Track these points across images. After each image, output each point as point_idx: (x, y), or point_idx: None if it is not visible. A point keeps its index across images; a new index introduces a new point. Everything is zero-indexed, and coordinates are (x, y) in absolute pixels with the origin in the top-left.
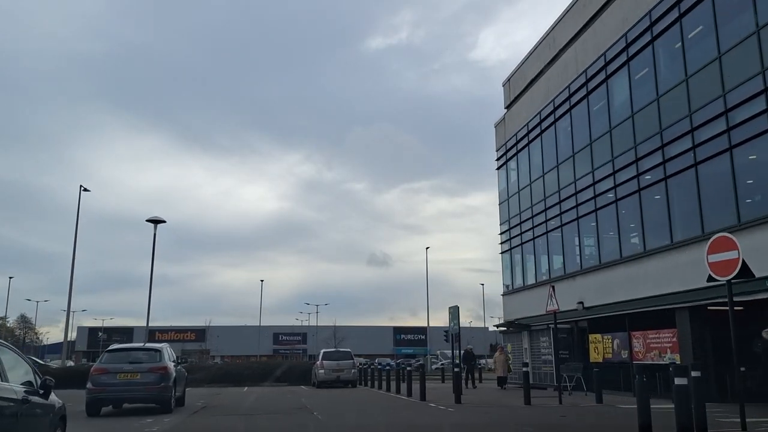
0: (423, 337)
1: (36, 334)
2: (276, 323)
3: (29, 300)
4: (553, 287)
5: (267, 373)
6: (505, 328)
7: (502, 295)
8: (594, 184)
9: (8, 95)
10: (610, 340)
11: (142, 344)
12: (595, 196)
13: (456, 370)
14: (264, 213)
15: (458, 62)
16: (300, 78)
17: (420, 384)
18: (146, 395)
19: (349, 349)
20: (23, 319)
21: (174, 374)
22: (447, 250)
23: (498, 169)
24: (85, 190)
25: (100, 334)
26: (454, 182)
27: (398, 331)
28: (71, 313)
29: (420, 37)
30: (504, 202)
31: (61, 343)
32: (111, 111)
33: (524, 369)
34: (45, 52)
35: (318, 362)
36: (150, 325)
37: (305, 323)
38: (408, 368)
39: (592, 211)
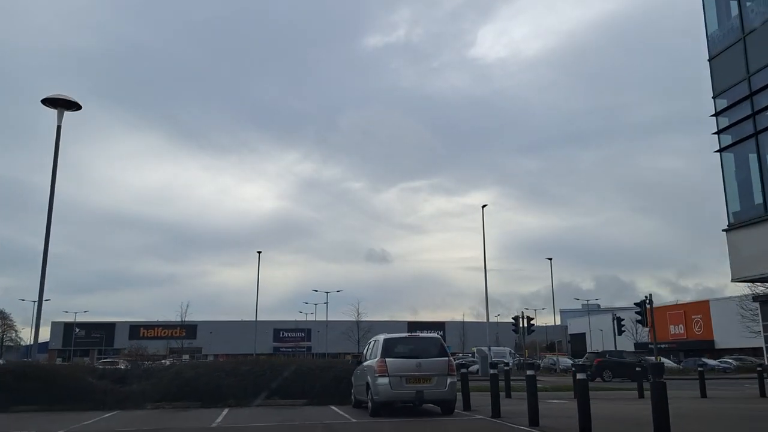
0: (441, 333)
1: (16, 332)
2: (276, 319)
3: (23, 300)
4: None
5: (266, 378)
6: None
7: (727, 230)
8: None
9: (5, 92)
10: None
11: None
12: None
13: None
14: (262, 212)
15: (457, 60)
16: (298, 76)
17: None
18: None
19: (436, 335)
20: (2, 315)
21: None
22: (446, 250)
23: None
24: None
25: (77, 330)
26: (453, 181)
27: (413, 326)
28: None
29: (418, 35)
30: (722, 53)
31: (47, 342)
32: (107, 108)
33: None
34: (40, 48)
35: (373, 361)
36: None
37: (310, 318)
38: None
39: None
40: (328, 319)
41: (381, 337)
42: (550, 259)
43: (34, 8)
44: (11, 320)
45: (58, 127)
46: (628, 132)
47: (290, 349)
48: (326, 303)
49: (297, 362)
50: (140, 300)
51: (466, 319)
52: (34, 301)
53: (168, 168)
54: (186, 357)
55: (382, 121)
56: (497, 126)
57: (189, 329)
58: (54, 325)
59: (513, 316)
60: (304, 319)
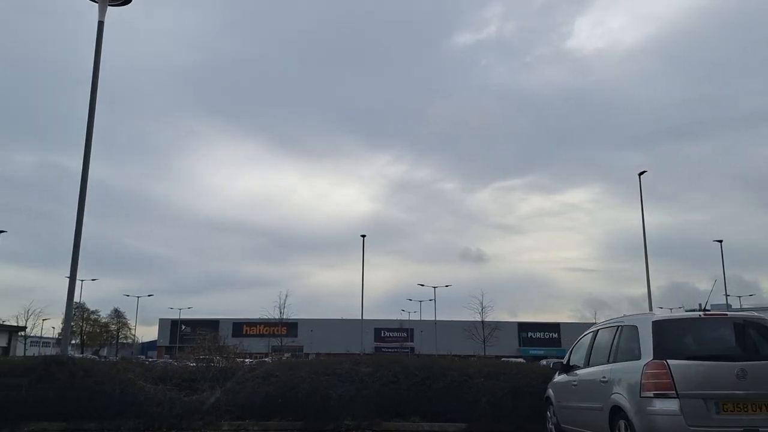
0: (555, 335)
1: (129, 329)
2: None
3: (127, 296)
4: None
5: (398, 387)
6: None
7: None
8: None
9: (120, 109)
10: None
11: None
12: None
13: None
14: (356, 215)
15: (552, 54)
16: (387, 78)
17: None
18: None
19: (761, 316)
20: (117, 314)
21: None
22: (545, 250)
23: None
24: None
25: (182, 327)
26: (550, 179)
27: (524, 327)
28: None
29: (510, 31)
30: None
31: (155, 341)
32: (212, 120)
33: None
34: (147, 67)
35: (628, 367)
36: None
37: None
38: None
39: None
40: (428, 318)
41: (645, 319)
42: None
43: (141, 30)
44: (125, 318)
45: (100, 23)
46: (737, 123)
47: (393, 349)
48: (432, 300)
49: (445, 364)
50: (245, 301)
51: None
52: (138, 297)
53: (267, 174)
54: (288, 355)
55: (473, 120)
56: (596, 120)
57: (290, 327)
58: (161, 322)
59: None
60: (407, 318)
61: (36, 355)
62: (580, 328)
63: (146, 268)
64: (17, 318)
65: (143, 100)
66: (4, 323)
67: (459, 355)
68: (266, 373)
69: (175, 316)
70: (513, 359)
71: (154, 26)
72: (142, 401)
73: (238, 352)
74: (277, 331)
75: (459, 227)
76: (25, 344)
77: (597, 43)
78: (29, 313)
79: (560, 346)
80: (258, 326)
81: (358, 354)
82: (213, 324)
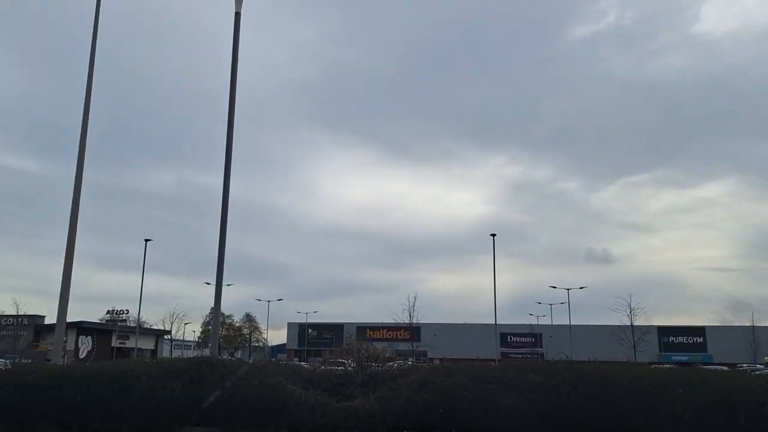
0: (700, 339)
1: (261, 333)
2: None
3: (259, 300)
4: None
5: (597, 401)
6: None
7: None
8: None
9: (242, 124)
10: None
11: None
12: None
13: None
14: (471, 218)
15: (678, 39)
16: (500, 78)
17: None
18: None
19: None
20: (248, 318)
21: None
22: (678, 249)
23: None
24: None
25: (309, 331)
26: (682, 173)
27: (665, 332)
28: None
29: (630, 18)
30: None
31: (284, 344)
32: (325, 130)
33: None
34: (263, 81)
35: None
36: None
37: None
38: None
39: None
40: (558, 322)
41: None
42: None
43: (257, 45)
44: (257, 322)
45: (237, 14)
46: None
47: (522, 355)
48: (564, 303)
49: (630, 371)
50: (364, 306)
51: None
52: (269, 302)
53: (380, 181)
54: (412, 361)
55: (594, 114)
56: (731, 107)
57: (414, 331)
58: (290, 326)
59: None
60: (536, 322)
61: (180, 356)
62: (729, 332)
63: (272, 275)
64: (163, 322)
65: (264, 114)
66: (152, 327)
67: (611, 362)
68: (422, 379)
69: (302, 320)
70: (664, 366)
71: (269, 40)
72: (293, 406)
73: (388, 356)
74: (401, 335)
75: (581, 227)
76: (171, 346)
77: (729, 25)
78: (174, 317)
79: (706, 352)
80: (381, 330)
81: (493, 360)
82: (338, 328)
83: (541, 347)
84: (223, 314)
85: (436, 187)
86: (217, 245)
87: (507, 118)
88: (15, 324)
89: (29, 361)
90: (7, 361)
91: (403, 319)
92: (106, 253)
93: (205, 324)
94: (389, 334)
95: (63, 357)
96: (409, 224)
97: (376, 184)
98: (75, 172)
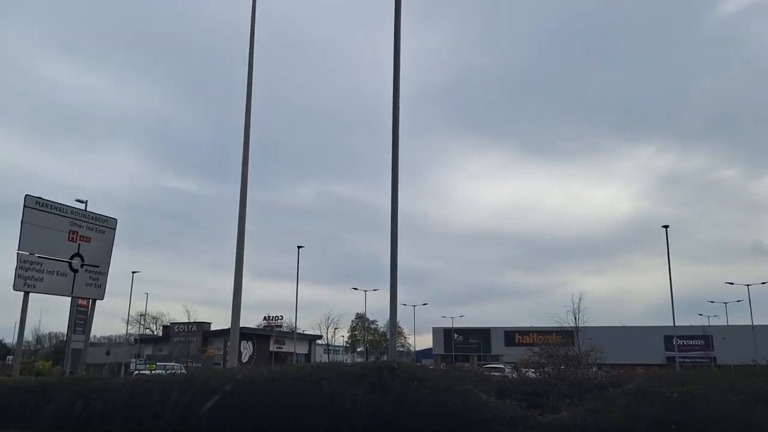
0: None
1: (405, 338)
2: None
3: (404, 305)
4: None
5: None
6: None
7: None
8: None
9: (380, 133)
10: None
11: None
12: None
13: None
14: (618, 215)
15: None
16: (643, 63)
17: None
18: None
19: None
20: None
21: None
22: None
23: None
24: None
25: (455, 336)
26: None
27: None
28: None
29: None
30: None
31: (428, 349)
32: (459, 134)
33: None
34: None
35: None
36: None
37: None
38: None
39: None
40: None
41: None
42: None
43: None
44: (400, 327)
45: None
46: None
47: (692, 359)
48: (742, 300)
49: None
50: (508, 310)
51: None
52: (414, 306)
53: (518, 181)
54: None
55: (754, 94)
56: None
57: (566, 335)
58: (435, 330)
59: None
60: (706, 323)
61: (330, 360)
62: None
63: (413, 281)
64: (315, 328)
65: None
66: (305, 333)
67: None
68: (640, 388)
69: (447, 325)
70: None
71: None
72: (489, 418)
73: (596, 361)
74: (553, 339)
75: (744, 219)
76: (328, 352)
77: None
78: (330, 322)
79: None
80: (531, 335)
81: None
82: (484, 332)
83: (713, 350)
84: (368, 319)
85: (577, 184)
86: (389, 257)
87: (654, 106)
88: (185, 330)
89: (199, 365)
90: (181, 365)
91: (567, 321)
92: (258, 263)
93: (353, 329)
94: (540, 339)
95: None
96: (551, 225)
97: (513, 184)
98: (240, 192)
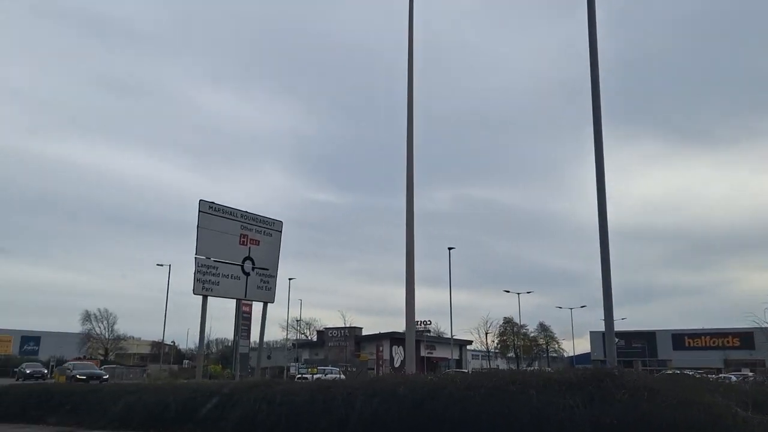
0: None
1: (558, 343)
2: None
3: (560, 308)
4: None
5: None
6: None
7: None
8: None
9: (514, 131)
10: None
11: None
12: None
13: None
14: None
15: None
16: None
17: None
18: None
19: None
20: (542, 328)
21: None
22: None
23: None
24: None
25: (617, 340)
26: None
27: None
28: None
29: None
30: None
31: (584, 354)
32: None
33: None
34: (515, 88)
35: None
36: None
37: None
38: None
39: None
40: None
41: None
42: None
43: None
44: (551, 332)
45: None
46: None
47: None
48: None
49: None
50: (667, 312)
51: None
52: (571, 309)
53: (670, 172)
54: (748, 372)
55: None
56: None
57: (744, 337)
58: (593, 335)
59: None
60: None
61: (482, 368)
62: None
63: (564, 282)
64: (465, 332)
65: (527, 121)
66: (454, 337)
67: None
68: None
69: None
70: None
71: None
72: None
73: None
74: (728, 342)
75: None
76: (489, 357)
77: None
78: (488, 325)
79: None
80: (703, 338)
81: None
82: (648, 336)
83: None
84: (517, 323)
85: (739, 170)
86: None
87: None
88: (339, 335)
89: (354, 369)
90: (339, 370)
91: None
92: (399, 269)
93: (501, 333)
94: (713, 342)
95: (407, 367)
96: (711, 217)
97: (665, 176)
98: (405, 204)
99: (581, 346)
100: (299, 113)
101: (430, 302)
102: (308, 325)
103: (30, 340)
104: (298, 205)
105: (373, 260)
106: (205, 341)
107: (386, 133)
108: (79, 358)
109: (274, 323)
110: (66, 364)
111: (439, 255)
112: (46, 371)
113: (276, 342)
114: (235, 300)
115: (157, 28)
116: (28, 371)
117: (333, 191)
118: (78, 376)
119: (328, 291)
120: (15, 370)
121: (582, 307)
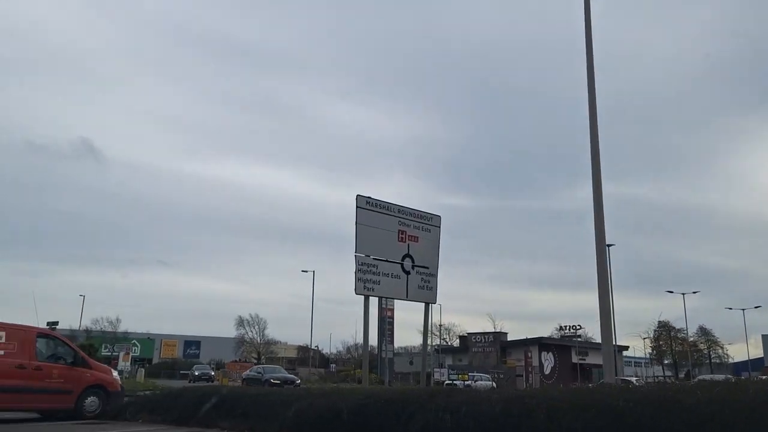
0: None
1: (721, 348)
2: None
3: (729, 309)
4: None
5: None
6: None
7: None
8: None
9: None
10: None
11: None
12: None
13: None
14: None
15: None
16: None
17: None
18: None
19: None
20: (703, 331)
21: None
22: None
23: None
24: None
25: None
26: None
27: None
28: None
29: None
30: None
31: (755, 359)
32: (750, 113)
33: None
34: (663, 76)
35: None
36: None
37: None
38: None
39: None
40: None
41: None
42: None
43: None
44: (713, 336)
45: None
46: None
47: None
48: None
49: None
50: None
51: None
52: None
53: None
54: None
55: None
56: None
57: None
58: (765, 338)
59: None
60: None
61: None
62: None
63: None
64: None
65: (666, 110)
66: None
67: None
68: None
69: None
70: None
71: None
72: None
73: None
74: None
75: None
76: (651, 363)
77: None
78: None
79: None
80: None
81: None
82: None
83: None
84: (674, 327)
85: None
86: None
87: None
88: (483, 341)
89: (501, 376)
90: (490, 377)
91: None
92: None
93: (656, 338)
94: None
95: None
96: None
97: None
98: (593, 202)
99: (747, 351)
100: (426, 119)
101: (577, 306)
102: (447, 330)
103: (192, 345)
104: (435, 210)
105: (506, 264)
106: (347, 346)
107: (511, 135)
108: (235, 361)
109: (412, 328)
110: (255, 368)
111: (583, 255)
112: (213, 373)
113: (414, 347)
114: (379, 302)
115: (300, 52)
116: (197, 373)
117: (464, 195)
118: (272, 380)
119: (465, 296)
120: (182, 372)
121: (756, 307)
